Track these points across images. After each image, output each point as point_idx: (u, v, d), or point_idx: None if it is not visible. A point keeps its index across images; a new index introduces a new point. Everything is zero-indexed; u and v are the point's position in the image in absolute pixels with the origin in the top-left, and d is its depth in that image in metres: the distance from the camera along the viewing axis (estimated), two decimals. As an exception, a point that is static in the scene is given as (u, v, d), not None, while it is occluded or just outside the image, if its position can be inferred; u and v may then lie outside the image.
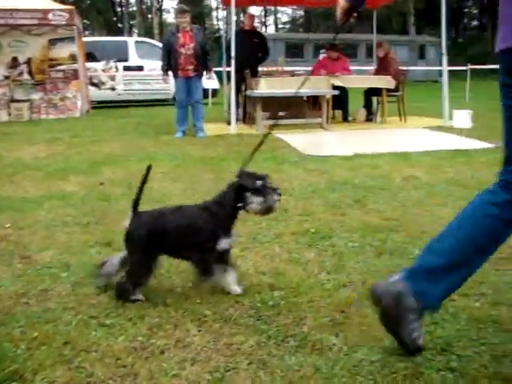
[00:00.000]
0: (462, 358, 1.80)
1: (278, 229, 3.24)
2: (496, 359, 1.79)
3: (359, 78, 9.94)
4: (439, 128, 8.12)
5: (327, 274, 2.54)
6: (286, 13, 49.81)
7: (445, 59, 8.47)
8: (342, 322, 2.07)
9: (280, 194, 2.27)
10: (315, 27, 43.56)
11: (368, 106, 9.81)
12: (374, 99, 9.82)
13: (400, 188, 4.25)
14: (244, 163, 2.35)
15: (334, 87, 8.77)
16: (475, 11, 49.72)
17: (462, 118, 8.13)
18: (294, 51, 27.63)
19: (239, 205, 2.26)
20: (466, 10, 48.93)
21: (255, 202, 2.23)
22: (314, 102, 9.21)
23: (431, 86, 23.51)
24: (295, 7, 40.83)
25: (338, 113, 10.10)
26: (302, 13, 45.91)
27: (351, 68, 10.20)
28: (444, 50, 8.46)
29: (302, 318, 2.10)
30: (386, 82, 8.94)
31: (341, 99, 9.39)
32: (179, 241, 2.29)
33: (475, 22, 50.95)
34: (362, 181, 4.50)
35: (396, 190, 4.16)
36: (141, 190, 2.31)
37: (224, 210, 2.27)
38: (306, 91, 8.40)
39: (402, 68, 10.04)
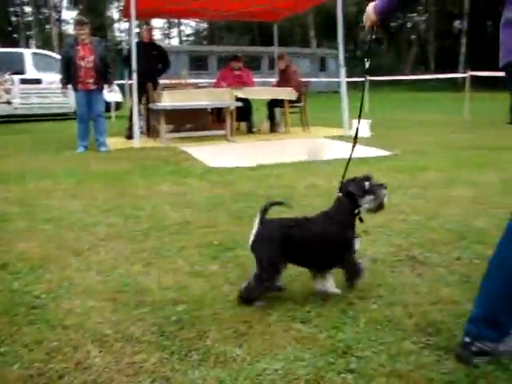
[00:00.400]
0: (361, 359, 1.86)
1: (182, 242, 3.21)
2: (392, 357, 1.87)
3: (262, 89, 10.11)
4: (340, 137, 8.42)
5: (231, 286, 2.54)
6: (189, 25, 49.94)
7: (343, 71, 8.82)
8: (245, 332, 2.08)
9: (386, 188, 2.42)
10: (219, 39, 43.98)
11: (272, 117, 10.00)
12: (277, 110, 10.02)
13: (303, 196, 4.36)
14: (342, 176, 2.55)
15: (238, 99, 8.87)
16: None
17: (362, 127, 8.45)
18: (198, 63, 27.73)
19: (356, 211, 2.40)
20: (361, 24, 51.16)
21: (368, 202, 2.38)
22: (218, 114, 9.27)
23: (333, 96, 24.30)
24: (198, 20, 41.02)
25: (243, 124, 10.22)
26: (205, 25, 46.18)
27: (255, 80, 10.37)
28: (342, 62, 8.79)
29: (206, 331, 2.09)
30: (287, 93, 9.16)
31: (245, 111, 9.52)
32: (314, 249, 2.36)
33: (372, 36, 53.36)
34: (266, 191, 4.57)
35: (299, 199, 4.26)
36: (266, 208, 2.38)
37: (346, 217, 2.40)
38: (209, 103, 8.43)
39: (303, 79, 10.34)
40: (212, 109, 9.24)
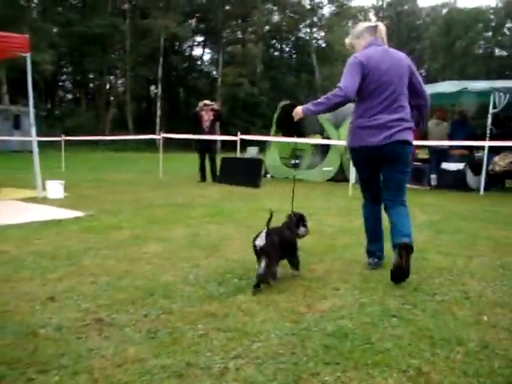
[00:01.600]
0: None
1: None
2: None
3: None
4: (33, 199, 7.98)
5: None
6: None
7: (33, 130, 8.44)
8: None
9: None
10: None
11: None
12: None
13: (-17, 266, 3.95)
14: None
15: None
16: (70, 85, 51.83)
17: (55, 188, 8.20)
18: None
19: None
20: (60, 83, 50.55)
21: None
22: None
23: (28, 156, 23.13)
24: None
25: None
26: None
27: None
28: (32, 121, 8.43)
29: None
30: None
31: None
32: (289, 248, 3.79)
33: (70, 96, 53.04)
34: None
35: (-21, 269, 3.84)
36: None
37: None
38: None
39: None
40: None
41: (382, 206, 4.22)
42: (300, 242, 3.94)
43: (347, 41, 4.13)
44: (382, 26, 3.97)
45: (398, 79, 3.74)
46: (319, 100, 3.75)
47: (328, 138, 13.01)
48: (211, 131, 12.01)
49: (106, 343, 2.53)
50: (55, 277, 3.64)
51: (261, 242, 3.43)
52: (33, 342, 2.53)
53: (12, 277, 3.63)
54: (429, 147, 11.65)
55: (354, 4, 56.29)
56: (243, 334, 2.67)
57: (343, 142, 11.75)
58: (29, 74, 8.25)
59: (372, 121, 3.76)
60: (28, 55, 8.14)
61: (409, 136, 3.81)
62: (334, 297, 3.32)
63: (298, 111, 3.83)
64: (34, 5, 42.81)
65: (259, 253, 3.46)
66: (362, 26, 4.04)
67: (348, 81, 3.66)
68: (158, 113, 43.33)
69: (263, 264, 3.40)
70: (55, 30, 40.82)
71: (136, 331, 2.68)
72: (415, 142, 11.84)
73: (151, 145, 35.27)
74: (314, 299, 3.26)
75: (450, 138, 11.33)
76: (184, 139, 13.68)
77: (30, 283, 3.49)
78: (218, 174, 11.91)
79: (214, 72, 51.20)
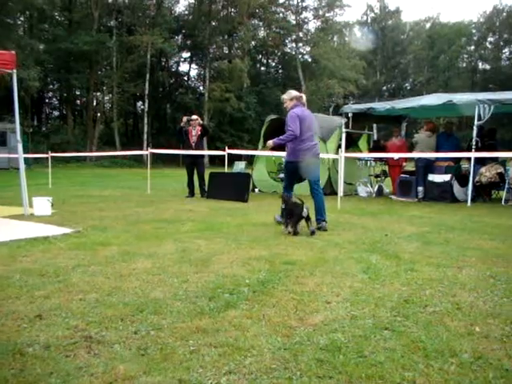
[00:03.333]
0: None
1: None
2: None
3: None
4: (19, 217, 7.89)
5: None
6: None
7: (20, 146, 8.37)
8: None
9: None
10: None
11: None
12: None
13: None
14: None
15: None
16: (56, 102, 51.77)
17: (42, 205, 8.12)
18: None
19: None
20: (47, 100, 50.45)
21: None
22: None
23: (15, 173, 22.98)
24: None
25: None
26: None
27: None
28: (18, 137, 8.37)
29: None
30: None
31: None
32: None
33: (57, 113, 52.93)
34: None
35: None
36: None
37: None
38: None
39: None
40: None
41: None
42: (290, 256, 3.92)
43: (285, 97, 7.14)
44: (304, 96, 7.18)
45: (312, 125, 7.05)
46: (281, 137, 7.00)
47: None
48: (198, 146, 11.99)
49: (96, 361, 2.49)
50: (43, 294, 3.58)
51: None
52: (20, 361, 2.48)
53: (-3, 295, 3.58)
54: (417, 159, 11.73)
55: (338, 19, 56.48)
56: (235, 349, 2.64)
57: (331, 155, 11.82)
58: (15, 91, 8.20)
59: (304, 145, 6.93)
60: (14, 72, 8.10)
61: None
62: (326, 310, 3.31)
63: (270, 143, 7.26)
64: (20, 22, 42.78)
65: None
66: (295, 93, 7.10)
67: (295, 126, 6.76)
68: (146, 129, 43.32)
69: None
70: (41, 46, 40.76)
71: (126, 348, 2.64)
72: (402, 155, 12.01)
73: (138, 161, 35.25)
74: (305, 313, 3.24)
75: (436, 149, 11.41)
76: (171, 154, 13.67)
77: (16, 301, 3.43)
78: (206, 189, 11.89)
79: (201, 87, 51.39)
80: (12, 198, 10.67)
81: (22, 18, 42.81)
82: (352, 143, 13.26)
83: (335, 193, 10.98)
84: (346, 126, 12.49)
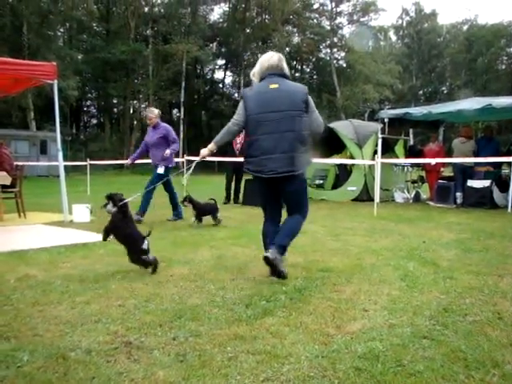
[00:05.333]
0: None
1: None
2: None
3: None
4: (59, 223, 8.08)
5: None
6: None
7: (60, 155, 8.59)
8: None
9: None
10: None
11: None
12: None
13: (13, 290, 3.97)
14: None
15: None
16: (94, 110, 52.81)
17: (82, 212, 8.29)
18: None
19: None
20: (85, 108, 51.51)
21: None
22: None
23: (55, 180, 23.50)
24: None
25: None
26: None
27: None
28: (59, 146, 8.57)
29: None
30: (0, 177, 8.52)
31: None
32: None
33: (95, 121, 53.99)
34: (-31, 287, 4.06)
35: (9, 293, 3.87)
36: None
37: None
38: None
39: (17, 163, 9.77)
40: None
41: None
42: (326, 263, 3.89)
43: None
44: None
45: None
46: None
47: (352, 158, 12.99)
48: (241, 154, 12.14)
49: (136, 366, 2.53)
50: (83, 300, 3.66)
51: None
52: (63, 365, 2.54)
53: (41, 300, 3.67)
54: (454, 165, 11.54)
55: (373, 24, 56.06)
56: (273, 356, 2.64)
57: (367, 161, 11.72)
58: (55, 101, 8.43)
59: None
60: (55, 82, 8.32)
61: None
62: (363, 318, 3.28)
63: None
64: (60, 33, 43.93)
65: None
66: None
67: None
68: (181, 136, 43.74)
69: None
70: (80, 56, 41.78)
71: (165, 354, 2.68)
72: (440, 160, 11.83)
73: (174, 168, 35.57)
74: (343, 320, 3.22)
75: (476, 155, 11.19)
76: (205, 161, 13.75)
77: (58, 306, 3.51)
78: (241, 195, 11.98)
79: (236, 94, 51.64)
80: (52, 204, 10.91)
81: (61, 30, 43.98)
82: (388, 149, 13.13)
83: (372, 199, 10.89)
84: (383, 132, 12.37)
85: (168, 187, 8.74)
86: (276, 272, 4.16)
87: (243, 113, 4.23)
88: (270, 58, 4.29)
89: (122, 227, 4.54)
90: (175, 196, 8.84)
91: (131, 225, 4.63)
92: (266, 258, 4.08)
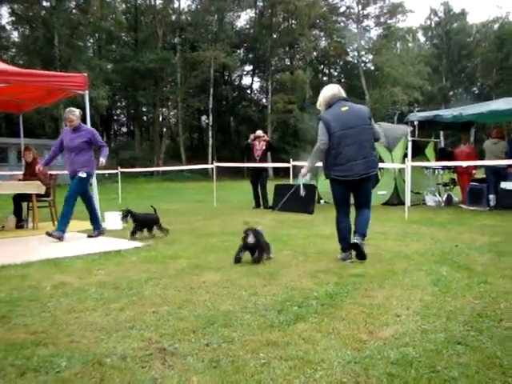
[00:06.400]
0: None
1: None
2: None
3: (6, 183, 9.46)
4: (92, 231, 8.20)
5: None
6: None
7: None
8: None
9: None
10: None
11: (18, 212, 9.36)
12: (24, 205, 9.44)
13: (50, 297, 4.07)
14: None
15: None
16: (124, 118, 53.56)
17: (114, 219, 8.42)
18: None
19: None
20: (115, 117, 52.27)
21: None
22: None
23: (87, 188, 23.86)
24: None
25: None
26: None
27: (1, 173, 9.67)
28: (91, 155, 8.72)
29: None
30: (35, 187, 8.72)
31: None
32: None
33: (125, 129, 54.73)
34: (7, 294, 4.16)
35: (45, 300, 3.96)
36: None
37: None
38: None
39: (52, 172, 9.98)
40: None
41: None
42: (357, 268, 3.88)
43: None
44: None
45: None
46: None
47: (381, 161, 12.90)
48: (262, 160, 12.19)
49: (170, 372, 2.57)
50: (118, 307, 3.72)
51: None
52: (99, 371, 2.59)
53: (76, 307, 3.75)
54: (486, 166, 11.36)
55: (401, 25, 55.49)
56: (305, 362, 2.65)
57: (397, 165, 11.62)
58: (87, 111, 8.61)
59: None
60: (86, 93, 8.50)
61: None
62: (396, 323, 3.27)
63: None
64: (89, 44, 44.75)
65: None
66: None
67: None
68: (210, 142, 44.05)
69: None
70: (109, 66, 42.44)
71: (199, 360, 2.71)
72: (471, 163, 11.65)
73: (203, 174, 35.81)
74: (375, 326, 3.21)
75: (509, 155, 10.99)
76: (235, 167, 13.88)
77: (93, 313, 3.58)
78: (268, 200, 12.01)
79: (264, 100, 51.79)
80: (84, 212, 11.08)
81: (91, 41, 44.78)
82: (419, 151, 12.98)
83: (402, 203, 10.80)
84: (413, 135, 12.24)
85: (87, 196, 7.85)
86: (361, 254, 5.24)
87: (326, 133, 5.27)
88: (330, 90, 5.51)
89: None
90: (94, 207, 7.99)
91: None
92: (354, 244, 5.22)
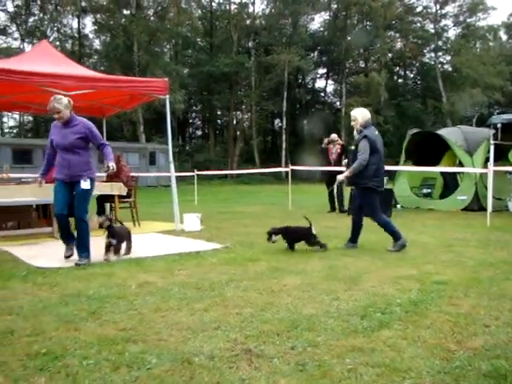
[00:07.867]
0: None
1: (4, 355, 2.89)
2: None
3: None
4: (171, 232, 8.44)
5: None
6: (12, 117, 47.68)
7: (172, 166, 8.97)
8: None
9: None
10: (44, 132, 42.59)
11: (101, 212, 9.75)
12: (107, 205, 9.83)
13: (135, 295, 4.21)
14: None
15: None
16: (199, 122, 54.67)
17: (192, 221, 8.60)
18: (22, 157, 26.70)
19: None
20: (191, 120, 53.45)
21: None
22: (44, 210, 8.81)
23: (163, 190, 24.56)
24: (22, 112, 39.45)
25: (72, 220, 9.78)
26: (30, 118, 44.51)
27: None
28: (171, 159, 8.98)
29: None
30: (118, 188, 9.04)
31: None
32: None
33: (199, 132, 55.85)
34: (96, 291, 4.35)
35: (132, 298, 4.11)
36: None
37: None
38: (34, 199, 8.01)
39: (132, 174, 10.33)
40: (37, 205, 8.76)
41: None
42: (440, 275, 3.78)
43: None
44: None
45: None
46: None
47: (460, 165, 12.49)
48: (337, 164, 12.10)
49: (257, 374, 2.59)
50: (201, 307, 3.80)
51: None
52: (188, 369, 2.66)
53: (161, 306, 3.85)
54: None
55: (482, 23, 53.28)
56: (392, 370, 2.61)
57: (478, 170, 11.21)
58: (168, 115, 8.85)
59: None
60: (167, 97, 8.74)
61: None
62: (485, 334, 3.15)
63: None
64: (166, 49, 46.05)
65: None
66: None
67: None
68: (284, 145, 44.15)
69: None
70: (186, 71, 43.51)
71: (285, 363, 2.73)
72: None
73: (277, 177, 35.96)
74: (463, 336, 3.11)
75: None
76: (307, 171, 13.86)
77: (178, 313, 3.68)
78: (344, 204, 11.90)
79: (338, 103, 51.35)
80: (162, 213, 11.44)
81: (168, 46, 46.08)
82: (501, 156, 12.46)
83: (484, 209, 10.40)
84: (495, 138, 11.77)
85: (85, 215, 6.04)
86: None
87: (369, 150, 6.33)
88: (368, 114, 6.71)
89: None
90: (88, 230, 6.09)
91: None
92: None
